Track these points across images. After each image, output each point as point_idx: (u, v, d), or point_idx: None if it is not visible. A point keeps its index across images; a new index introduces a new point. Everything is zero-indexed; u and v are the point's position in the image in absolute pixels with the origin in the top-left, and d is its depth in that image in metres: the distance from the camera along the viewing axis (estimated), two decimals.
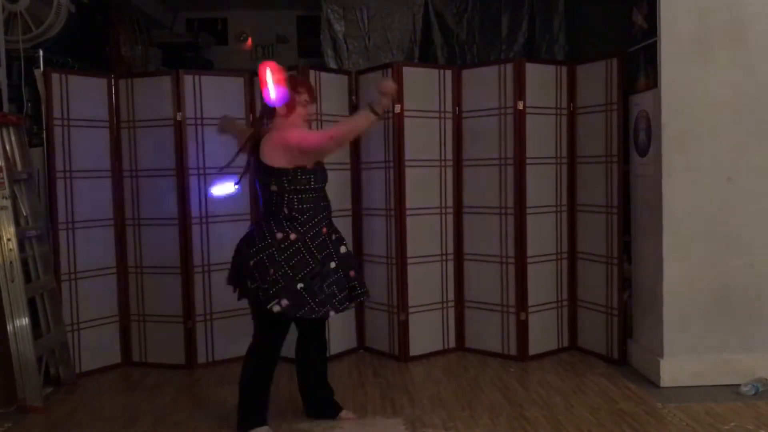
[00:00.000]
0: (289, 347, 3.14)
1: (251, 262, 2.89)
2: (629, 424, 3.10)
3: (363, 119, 2.88)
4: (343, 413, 3.22)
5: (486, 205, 4.16)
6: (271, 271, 2.85)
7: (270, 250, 2.87)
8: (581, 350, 4.22)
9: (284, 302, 2.84)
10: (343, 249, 3.04)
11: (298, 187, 2.89)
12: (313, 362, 3.19)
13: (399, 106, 4.00)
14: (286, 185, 2.89)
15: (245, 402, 3.03)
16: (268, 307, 2.84)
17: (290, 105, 2.92)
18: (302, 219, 2.91)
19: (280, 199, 2.91)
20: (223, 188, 3.19)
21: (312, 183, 2.93)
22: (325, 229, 2.98)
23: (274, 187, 2.91)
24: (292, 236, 2.89)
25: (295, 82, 3.00)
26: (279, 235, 2.88)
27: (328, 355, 3.32)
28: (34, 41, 4.09)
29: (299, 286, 2.85)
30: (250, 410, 3.03)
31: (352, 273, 3.04)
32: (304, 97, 2.97)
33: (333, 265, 2.96)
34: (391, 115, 4.02)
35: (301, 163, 2.89)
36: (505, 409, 3.31)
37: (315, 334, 3.15)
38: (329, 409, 3.22)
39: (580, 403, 3.37)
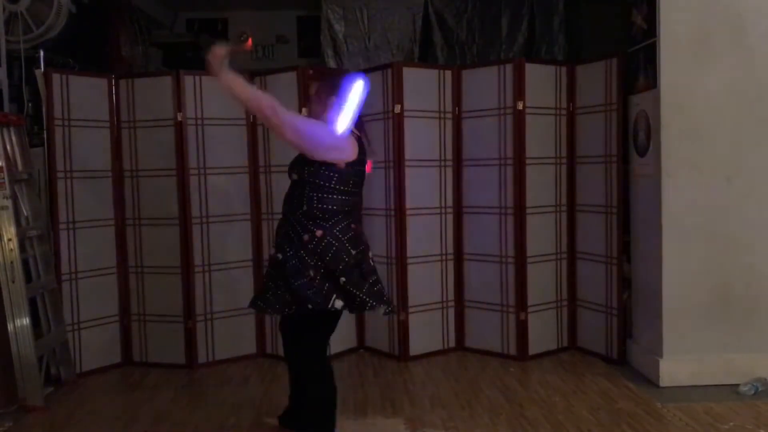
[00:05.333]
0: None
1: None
2: (629, 423, 3.11)
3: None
4: None
5: (486, 205, 4.16)
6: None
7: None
8: (581, 350, 4.22)
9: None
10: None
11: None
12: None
13: (399, 106, 4.00)
14: None
15: (320, 410, 2.73)
16: None
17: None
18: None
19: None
20: None
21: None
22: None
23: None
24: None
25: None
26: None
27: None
28: (35, 41, 4.11)
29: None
30: (326, 416, 2.74)
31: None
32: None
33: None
34: (391, 115, 4.03)
35: None
36: (505, 409, 3.31)
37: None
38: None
39: (580, 403, 3.37)
